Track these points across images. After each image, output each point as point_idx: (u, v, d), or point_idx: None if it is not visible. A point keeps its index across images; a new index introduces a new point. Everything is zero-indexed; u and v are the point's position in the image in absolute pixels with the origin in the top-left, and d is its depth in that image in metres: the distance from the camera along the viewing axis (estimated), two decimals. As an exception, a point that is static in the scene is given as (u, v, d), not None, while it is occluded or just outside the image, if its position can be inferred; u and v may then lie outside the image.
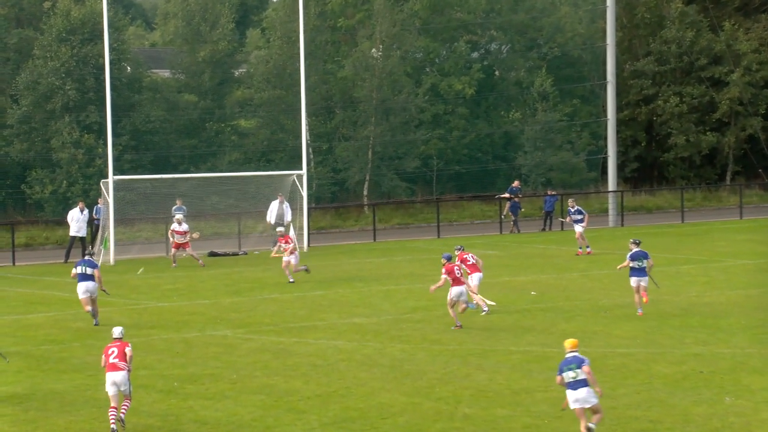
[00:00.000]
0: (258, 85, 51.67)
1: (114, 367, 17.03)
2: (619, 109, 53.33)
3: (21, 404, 18.47)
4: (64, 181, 46.35)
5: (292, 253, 31.07)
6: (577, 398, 15.86)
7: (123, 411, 16.95)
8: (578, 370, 15.82)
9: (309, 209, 42.22)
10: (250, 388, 19.20)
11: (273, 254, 31.40)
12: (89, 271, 25.93)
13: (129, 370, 17.06)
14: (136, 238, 40.72)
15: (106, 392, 17.12)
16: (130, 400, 17.13)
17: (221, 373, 20.27)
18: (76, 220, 38.74)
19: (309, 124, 47.52)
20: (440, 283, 24.29)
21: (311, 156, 49.64)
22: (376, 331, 24.28)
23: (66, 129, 46.82)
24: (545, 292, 29.28)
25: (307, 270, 31.77)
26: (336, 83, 52.32)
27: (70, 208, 41.37)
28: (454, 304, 24.31)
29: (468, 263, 26.20)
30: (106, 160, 39.75)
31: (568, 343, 16.25)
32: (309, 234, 41.45)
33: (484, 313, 25.49)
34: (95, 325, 25.57)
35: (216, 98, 51.97)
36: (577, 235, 37.09)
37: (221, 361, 21.35)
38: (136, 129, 48.85)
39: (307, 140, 43.54)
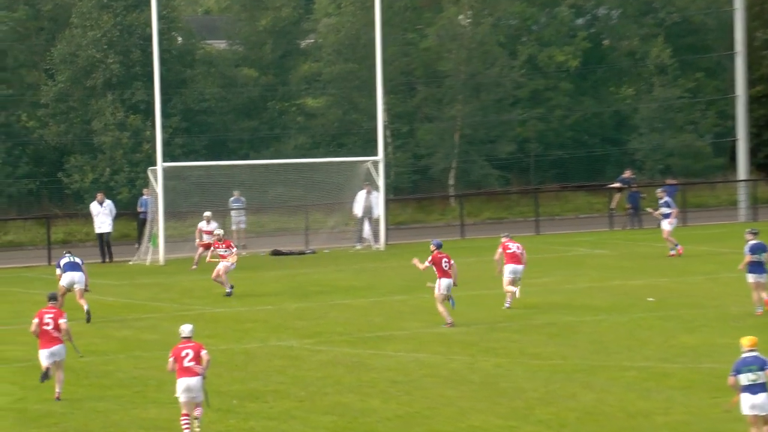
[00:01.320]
0: (328, 58, 51.80)
1: (189, 372, 17.46)
2: (751, 84, 52.51)
3: (59, 424, 18.74)
4: (107, 169, 46.95)
5: (224, 258, 30.43)
6: (754, 404, 16.03)
7: (197, 426, 17.34)
8: (760, 373, 15.89)
9: (386, 201, 42.29)
10: (320, 407, 19.29)
11: (208, 259, 31.09)
12: (78, 260, 27.36)
13: (204, 377, 17.51)
14: (188, 234, 40.98)
15: (176, 398, 17.52)
16: (202, 409, 17.49)
17: (287, 390, 20.39)
18: (96, 215, 39.31)
19: (386, 103, 47.53)
20: (421, 266, 25.63)
21: (389, 140, 49.67)
22: (465, 342, 24.25)
23: (109, 109, 47.41)
24: (664, 299, 28.99)
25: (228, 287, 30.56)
26: (418, 55, 52.26)
27: (116, 199, 42.06)
28: (444, 300, 25.58)
29: (508, 251, 27.53)
30: (155, 144, 40.19)
31: (746, 340, 16.43)
32: (387, 230, 41.50)
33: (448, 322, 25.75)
34: (87, 321, 26.76)
35: (279, 73, 52.23)
36: (665, 234, 36.62)
37: (287, 375, 21.47)
38: (188, 109, 49.29)
39: (384, 121, 43.55)
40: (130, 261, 39.15)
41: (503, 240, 28.02)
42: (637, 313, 27.10)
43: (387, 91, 46.87)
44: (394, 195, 48.69)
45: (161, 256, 38.48)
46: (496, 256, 27.90)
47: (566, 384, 20.45)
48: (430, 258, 25.79)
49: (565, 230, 45.07)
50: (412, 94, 52.76)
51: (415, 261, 26.12)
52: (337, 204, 42.17)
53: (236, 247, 31.62)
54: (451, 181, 51.34)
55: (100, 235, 39.50)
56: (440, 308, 25.71)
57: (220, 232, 31.40)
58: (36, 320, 20.05)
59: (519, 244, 28.04)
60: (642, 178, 50.10)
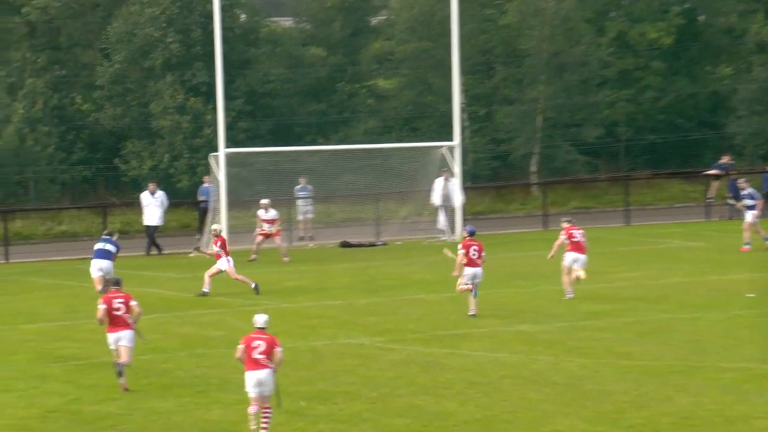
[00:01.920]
0: (400, 36, 51.79)
1: (258, 365, 17.68)
2: None
3: (115, 426, 18.95)
4: (166, 155, 47.33)
5: (219, 258, 29.98)
6: None
7: (264, 424, 17.55)
8: None
9: (463, 189, 42.24)
10: (392, 410, 19.34)
11: (210, 253, 30.61)
12: (109, 247, 28.88)
13: (275, 371, 17.82)
14: (252, 224, 41.26)
15: (246, 393, 17.79)
16: (270, 408, 17.73)
17: (357, 391, 20.47)
18: (146, 205, 39.59)
19: (463, 84, 47.45)
20: (452, 255, 27.01)
21: (466, 123, 49.55)
22: (548, 341, 24.21)
23: (168, 91, 47.77)
24: (766, 294, 28.69)
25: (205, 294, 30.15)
26: (497, 32, 52.09)
27: (175, 188, 42.23)
28: (466, 289, 26.82)
29: (573, 239, 28.52)
30: (216, 128, 40.46)
31: None
32: (463, 219, 41.47)
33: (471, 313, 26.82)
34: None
35: (349, 52, 52.30)
36: (745, 225, 36.31)
37: (357, 375, 21.55)
38: (252, 91, 49.53)
39: (460, 104, 43.51)
40: (190, 253, 39.43)
41: (566, 225, 28.85)
42: (735, 310, 26.86)
43: (464, 72, 46.74)
44: (472, 183, 48.59)
45: (223, 247, 38.66)
46: (559, 241, 28.71)
47: (659, 386, 20.33)
48: (460, 245, 27.06)
49: (658, 221, 44.74)
50: (491, 75, 52.62)
51: (446, 252, 27.48)
52: (410, 192, 42.18)
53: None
54: (533, 168, 51.16)
55: (149, 227, 39.66)
56: (466, 294, 26.91)
57: (217, 227, 31.00)
58: (103, 306, 20.65)
59: (582, 231, 28.94)
60: (741, 164, 49.58)
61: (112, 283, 21.23)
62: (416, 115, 51.15)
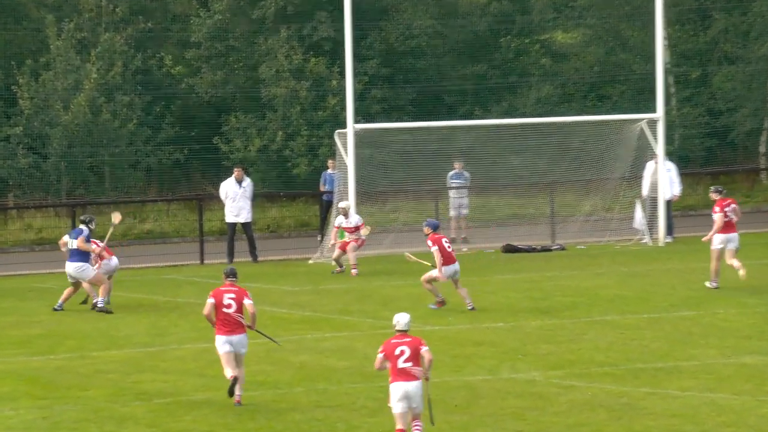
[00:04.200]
0: (586, -25, 51.72)
1: (405, 375, 18.26)
2: None
3: (214, 481, 19.17)
4: (280, 132, 47.73)
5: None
6: None
7: None
8: None
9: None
10: (573, 467, 19.30)
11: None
12: (75, 245, 30.43)
13: (427, 379, 18.50)
14: (389, 222, 41.45)
15: (390, 408, 18.36)
16: (422, 423, 18.38)
17: (527, 441, 20.45)
18: (232, 198, 39.24)
19: (668, 38, 47.03)
20: (437, 257, 29.56)
21: (672, 90, 49.18)
22: (782, 377, 23.94)
23: (282, 49, 48.17)
24: None
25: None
26: (716, -30, 51.78)
27: (290, 174, 42.41)
28: (432, 280, 29.99)
29: (725, 218, 30.39)
30: (344, 98, 40.65)
31: None
32: (669, 216, 41.08)
33: (469, 308, 30.30)
34: (57, 308, 31.24)
35: (517, -2, 52.30)
36: None
37: (526, 421, 21.51)
38: (390, 49, 49.72)
39: (665, 64, 43.09)
40: (310, 259, 39.70)
41: (715, 197, 30.39)
42: None
43: (670, 22, 46.42)
44: (681, 167, 48.19)
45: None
46: (719, 221, 30.52)
47: None
48: (430, 241, 29.55)
49: None
50: (706, 25, 52.18)
51: (408, 256, 30.91)
52: (597, 181, 41.93)
53: None
54: (762, 149, 50.64)
55: (233, 225, 39.28)
56: (427, 287, 30.04)
57: (116, 217, 32.49)
58: (211, 300, 21.68)
59: (735, 205, 30.35)
60: None
61: (228, 274, 22.02)
62: (606, 79, 50.92)
